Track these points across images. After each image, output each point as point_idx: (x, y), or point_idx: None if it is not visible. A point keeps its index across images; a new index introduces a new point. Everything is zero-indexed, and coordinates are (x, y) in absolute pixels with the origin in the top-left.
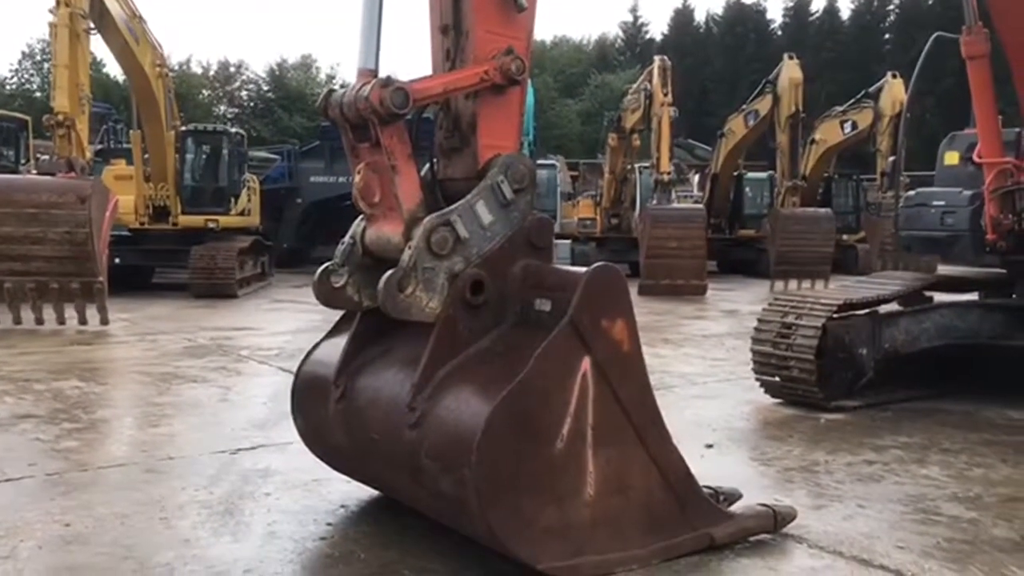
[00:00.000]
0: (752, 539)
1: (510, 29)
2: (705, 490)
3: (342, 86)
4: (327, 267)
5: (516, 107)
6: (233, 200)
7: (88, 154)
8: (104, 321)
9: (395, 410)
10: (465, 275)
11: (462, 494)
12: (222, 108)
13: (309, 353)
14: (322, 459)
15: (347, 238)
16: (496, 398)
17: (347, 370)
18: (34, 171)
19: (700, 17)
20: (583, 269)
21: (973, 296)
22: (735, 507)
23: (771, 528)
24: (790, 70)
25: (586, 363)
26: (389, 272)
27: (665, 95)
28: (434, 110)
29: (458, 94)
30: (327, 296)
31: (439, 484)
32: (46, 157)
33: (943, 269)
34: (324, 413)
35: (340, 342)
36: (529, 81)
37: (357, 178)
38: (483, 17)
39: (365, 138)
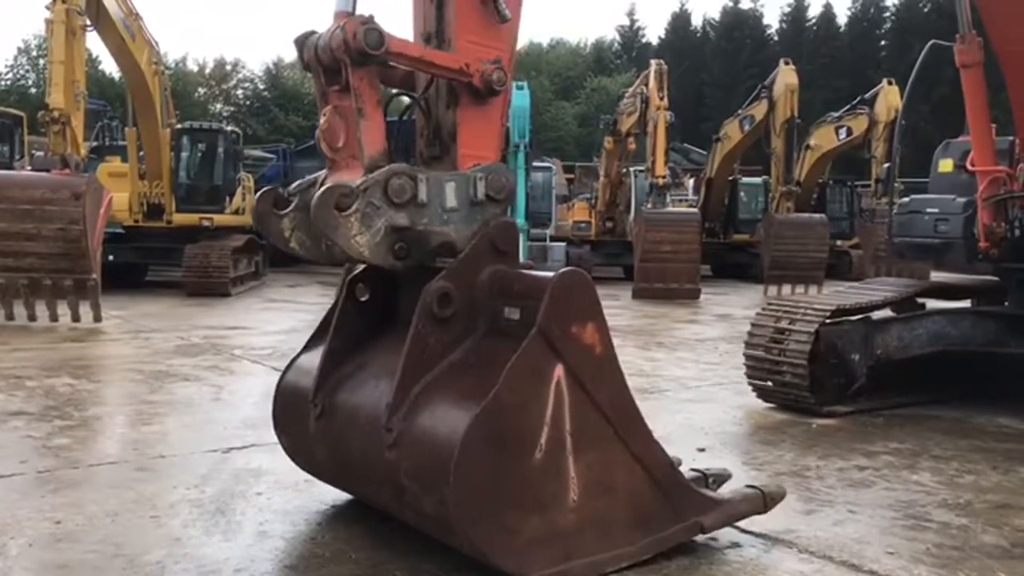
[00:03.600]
0: (742, 543)
1: (493, 40)
2: (693, 473)
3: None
4: (276, 189)
5: (497, 118)
6: (228, 199)
7: (83, 151)
8: (97, 318)
9: (373, 430)
10: (432, 288)
11: (444, 513)
12: (218, 106)
13: (286, 370)
14: (308, 473)
15: (309, 178)
16: (470, 416)
17: (324, 387)
18: (29, 167)
19: (697, 22)
20: (550, 274)
21: (966, 303)
22: (724, 490)
23: (761, 510)
24: (786, 76)
25: (559, 371)
26: (337, 183)
27: (661, 99)
28: (417, 118)
29: (431, 72)
30: (262, 218)
31: (421, 504)
32: (41, 153)
33: (936, 276)
34: (305, 431)
35: (316, 356)
36: (525, 87)
37: (322, 120)
38: (465, 26)
39: (335, 81)
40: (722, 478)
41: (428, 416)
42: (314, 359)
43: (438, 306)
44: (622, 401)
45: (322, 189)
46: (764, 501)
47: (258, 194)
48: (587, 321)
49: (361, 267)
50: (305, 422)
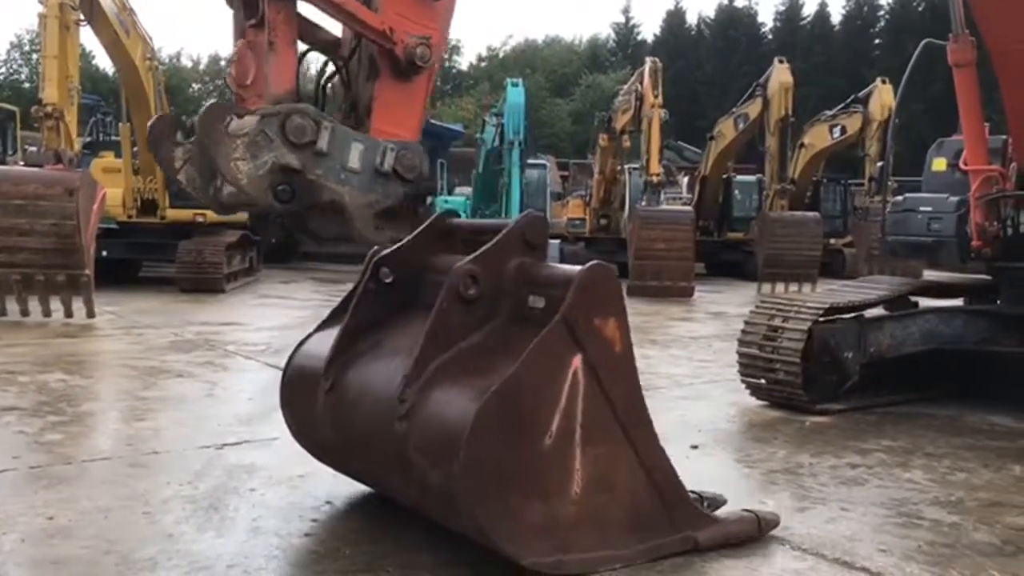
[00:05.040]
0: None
1: (423, 16)
2: (690, 495)
3: None
4: (180, 118)
5: (419, 99)
6: None
7: (76, 146)
8: (90, 314)
9: (385, 402)
10: (460, 269)
11: (449, 488)
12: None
13: (299, 345)
14: (310, 452)
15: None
16: (486, 393)
17: (337, 362)
18: (22, 162)
19: (692, 19)
20: (577, 267)
21: (958, 302)
22: (719, 512)
23: (755, 533)
24: (780, 74)
25: (577, 361)
26: (232, 104)
27: (656, 97)
28: (337, 89)
29: (352, 26)
30: (157, 141)
31: (427, 478)
32: (34, 148)
33: (929, 274)
34: (313, 406)
35: (331, 335)
36: (520, 84)
37: (232, 53)
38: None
39: (252, 15)
40: (717, 502)
41: (443, 391)
42: (328, 337)
43: (464, 287)
44: (634, 401)
45: (213, 102)
46: (759, 525)
47: (157, 116)
48: (610, 316)
49: (387, 250)
50: (314, 397)
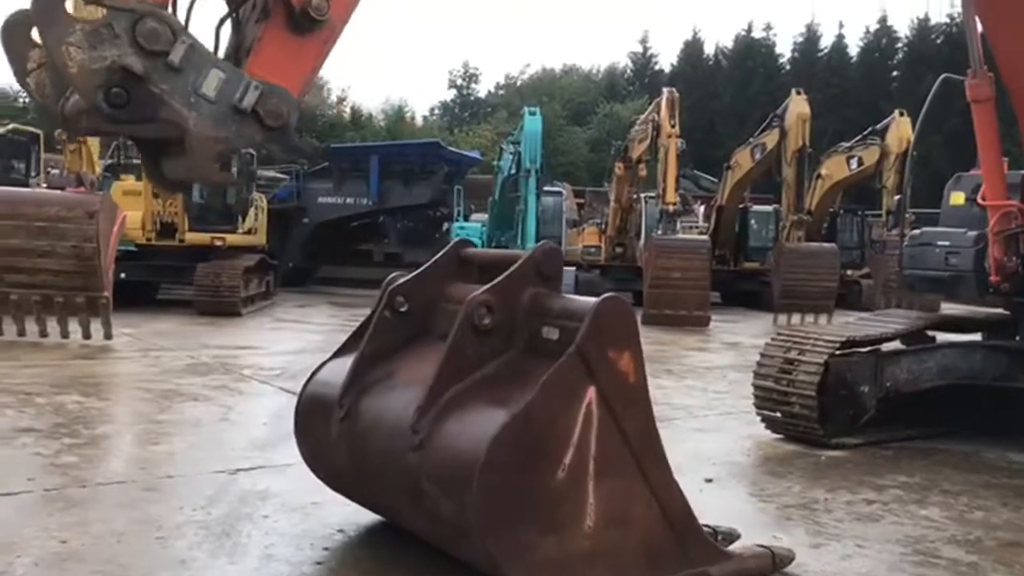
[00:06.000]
0: None
1: None
2: (704, 528)
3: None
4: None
5: (308, 57)
6: (240, 219)
7: (98, 169)
8: (108, 336)
9: (398, 432)
10: (475, 299)
11: (462, 519)
12: None
13: (314, 373)
14: (324, 481)
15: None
16: (499, 424)
17: (352, 390)
18: (45, 185)
19: (710, 50)
20: (592, 299)
21: (977, 337)
22: (733, 547)
23: (769, 570)
24: (798, 105)
25: (591, 393)
26: None
27: (672, 126)
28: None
29: None
30: (13, 30)
31: (439, 508)
32: (57, 171)
33: (947, 308)
34: (327, 433)
35: (346, 362)
36: (537, 112)
37: None
38: None
39: None
40: (731, 537)
41: (456, 422)
42: (343, 365)
43: (478, 317)
44: (648, 434)
45: None
46: (773, 561)
47: (17, 10)
48: (624, 348)
49: (403, 279)
50: (328, 424)
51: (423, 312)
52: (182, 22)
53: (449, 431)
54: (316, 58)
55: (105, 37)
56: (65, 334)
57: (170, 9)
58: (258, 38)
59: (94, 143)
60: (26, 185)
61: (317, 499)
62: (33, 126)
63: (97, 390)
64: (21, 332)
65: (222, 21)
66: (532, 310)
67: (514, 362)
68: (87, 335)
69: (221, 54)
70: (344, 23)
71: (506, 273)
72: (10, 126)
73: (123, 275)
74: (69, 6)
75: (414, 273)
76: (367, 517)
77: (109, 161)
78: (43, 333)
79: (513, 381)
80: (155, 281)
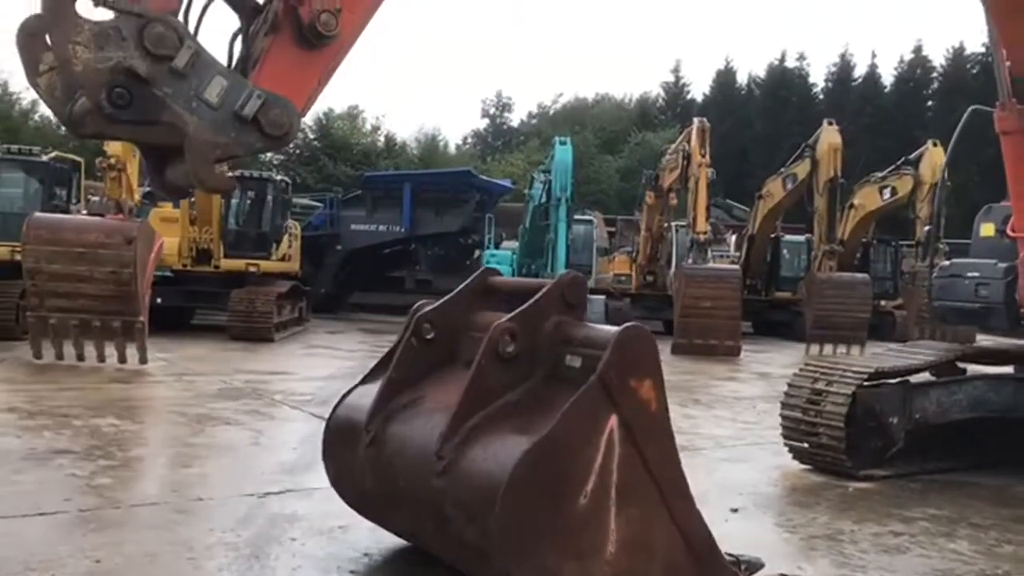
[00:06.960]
0: None
1: None
2: (727, 557)
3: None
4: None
5: (314, 72)
6: (275, 245)
7: (136, 196)
8: (143, 360)
9: (423, 458)
10: (499, 327)
11: (485, 544)
12: (269, 155)
13: (342, 399)
14: (350, 505)
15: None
16: (522, 450)
17: (379, 416)
18: (84, 211)
19: (742, 79)
20: (615, 328)
21: (1008, 369)
22: None
23: None
24: (829, 136)
25: (613, 421)
26: None
27: (703, 156)
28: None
29: None
30: (30, 34)
31: (463, 533)
32: (96, 198)
33: (982, 339)
34: (354, 458)
35: (373, 388)
36: (568, 142)
37: None
38: None
39: None
40: (755, 566)
41: (480, 448)
42: (370, 390)
43: (503, 344)
44: (670, 463)
45: None
46: None
47: (34, 13)
48: (646, 377)
49: (430, 306)
50: (355, 449)
51: (449, 339)
52: (191, 30)
53: (473, 458)
54: (322, 73)
55: (112, 38)
56: (101, 358)
57: (181, 17)
58: (265, 50)
59: (133, 171)
60: (67, 212)
61: (344, 523)
62: (75, 154)
63: (132, 413)
64: (59, 356)
65: (235, 36)
66: (556, 338)
67: (537, 389)
68: (123, 359)
69: (232, 66)
70: (353, 40)
71: (530, 301)
72: (53, 154)
73: (159, 300)
74: (79, 7)
75: (440, 301)
76: (393, 541)
77: (147, 188)
78: (80, 356)
79: (536, 408)
80: (190, 306)
